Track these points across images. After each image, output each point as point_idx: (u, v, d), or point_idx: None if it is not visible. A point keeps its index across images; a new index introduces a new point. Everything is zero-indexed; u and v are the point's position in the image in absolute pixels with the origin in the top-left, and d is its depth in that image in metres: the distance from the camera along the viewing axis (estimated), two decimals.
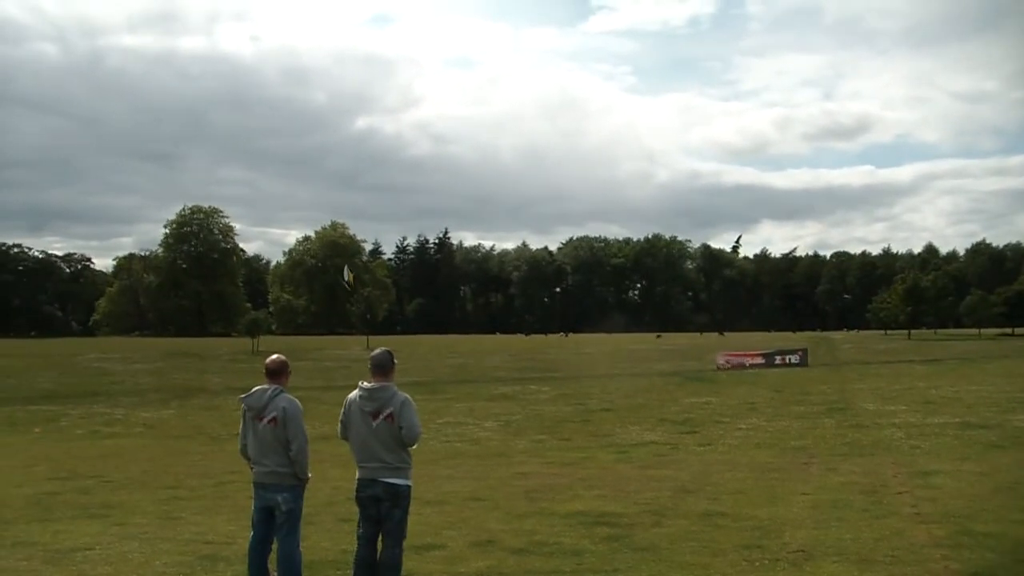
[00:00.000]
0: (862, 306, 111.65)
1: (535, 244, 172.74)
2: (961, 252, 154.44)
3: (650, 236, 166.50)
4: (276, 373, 6.65)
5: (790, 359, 46.28)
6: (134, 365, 43.95)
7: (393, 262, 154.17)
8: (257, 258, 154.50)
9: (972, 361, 46.36)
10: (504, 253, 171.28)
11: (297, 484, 6.53)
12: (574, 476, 13.10)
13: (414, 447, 6.39)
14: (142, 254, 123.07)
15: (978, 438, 17.13)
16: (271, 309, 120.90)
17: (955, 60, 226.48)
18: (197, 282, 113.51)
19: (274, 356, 6.80)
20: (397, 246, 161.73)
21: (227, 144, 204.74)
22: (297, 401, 6.61)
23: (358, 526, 6.45)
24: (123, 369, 42.03)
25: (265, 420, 6.45)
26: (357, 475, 6.39)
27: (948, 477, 12.20)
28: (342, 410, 6.49)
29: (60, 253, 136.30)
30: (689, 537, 8.57)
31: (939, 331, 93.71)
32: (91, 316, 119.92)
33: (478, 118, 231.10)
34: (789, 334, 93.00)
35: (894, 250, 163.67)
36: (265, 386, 6.58)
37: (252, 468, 6.64)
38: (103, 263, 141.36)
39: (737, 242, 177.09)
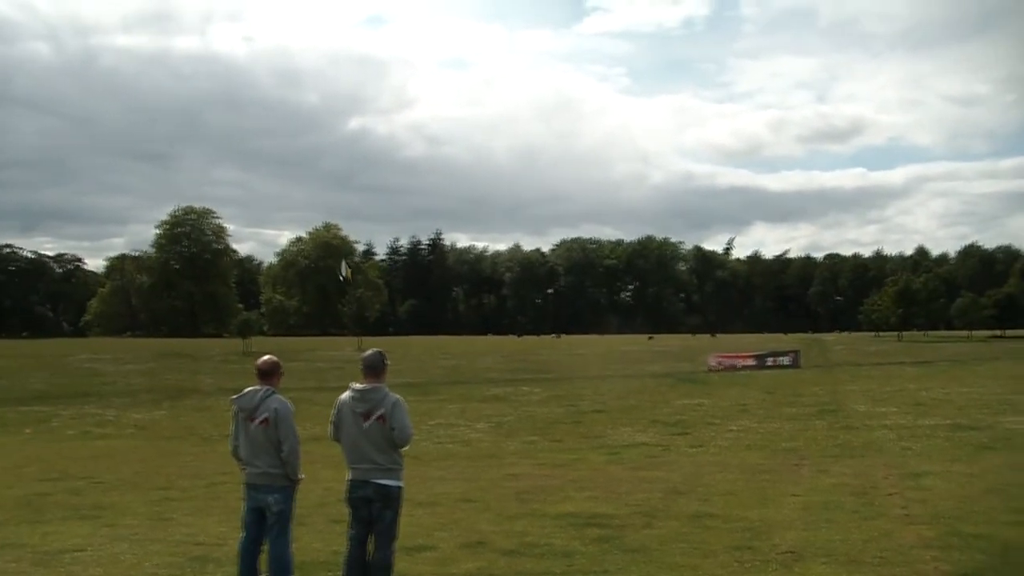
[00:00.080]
0: (854, 308, 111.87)
1: (529, 246, 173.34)
2: (952, 254, 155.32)
3: (642, 238, 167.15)
4: (268, 374, 6.64)
5: (781, 361, 46.33)
6: (126, 366, 43.78)
7: (386, 263, 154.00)
8: (249, 259, 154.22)
9: (963, 363, 46.54)
10: (497, 254, 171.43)
11: (288, 485, 6.53)
12: (565, 477, 13.11)
13: (406, 448, 6.40)
14: (134, 255, 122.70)
15: (968, 440, 17.18)
16: (263, 310, 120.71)
17: (948, 63, 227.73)
18: (189, 283, 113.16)
19: (266, 357, 6.80)
20: (390, 247, 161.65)
21: (221, 144, 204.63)
22: (289, 402, 6.61)
23: (349, 527, 6.45)
24: (115, 370, 41.85)
25: (257, 421, 6.45)
26: (348, 476, 6.39)
27: (938, 478, 12.25)
28: (333, 411, 6.49)
29: (51, 253, 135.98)
30: (679, 538, 8.60)
31: (930, 333, 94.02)
32: (82, 317, 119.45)
33: (472, 119, 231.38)
34: (781, 335, 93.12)
35: (886, 252, 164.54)
36: (257, 387, 6.58)
37: (243, 469, 6.63)
38: (95, 263, 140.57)
39: (730, 244, 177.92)
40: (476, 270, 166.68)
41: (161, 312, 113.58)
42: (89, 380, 37.37)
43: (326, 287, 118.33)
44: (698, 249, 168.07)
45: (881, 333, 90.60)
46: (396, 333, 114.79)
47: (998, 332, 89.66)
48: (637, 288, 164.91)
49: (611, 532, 8.93)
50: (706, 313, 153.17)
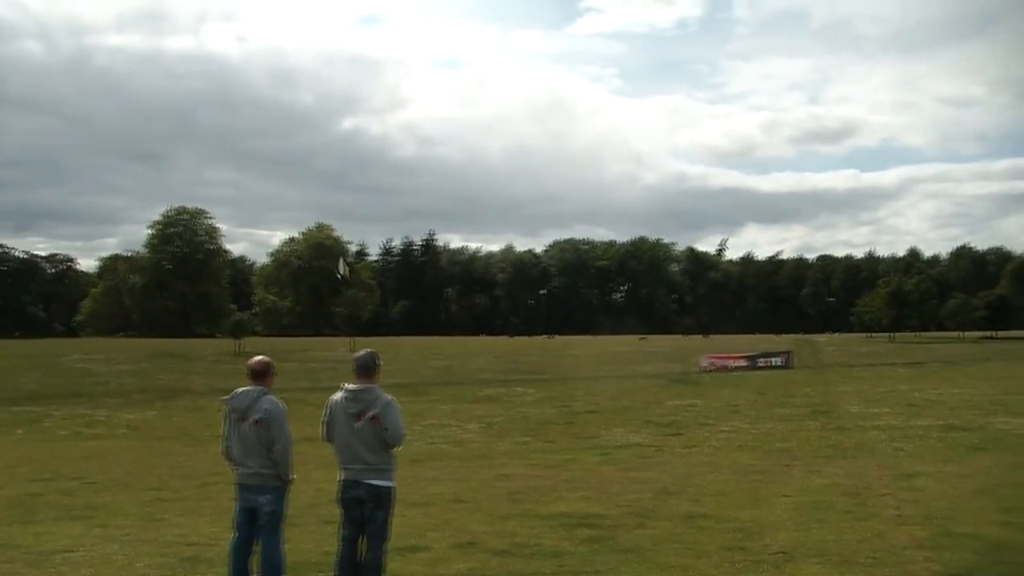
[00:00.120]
0: (846, 309, 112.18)
1: (522, 246, 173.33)
2: (944, 256, 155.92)
3: (635, 239, 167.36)
4: (260, 374, 6.62)
5: (774, 362, 46.48)
6: (118, 366, 43.65)
7: (379, 264, 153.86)
8: (242, 259, 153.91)
9: (954, 364, 46.72)
10: (490, 255, 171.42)
11: (280, 486, 6.51)
12: (558, 478, 13.11)
13: (398, 449, 6.39)
14: (127, 255, 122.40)
15: (960, 440, 17.23)
16: (256, 310, 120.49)
17: (941, 65, 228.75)
18: (182, 283, 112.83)
19: (258, 357, 6.77)
20: (382, 248, 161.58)
21: (214, 144, 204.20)
22: (281, 403, 6.59)
23: (341, 528, 6.44)
24: (107, 370, 41.74)
25: (249, 421, 6.43)
26: (340, 477, 6.38)
27: (930, 479, 12.29)
28: (324, 411, 6.48)
29: (44, 253, 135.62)
30: (672, 539, 8.61)
31: (922, 334, 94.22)
32: (74, 317, 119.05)
33: (466, 120, 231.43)
34: (773, 336, 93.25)
35: (878, 253, 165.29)
36: (249, 387, 6.56)
37: (235, 469, 6.61)
38: (87, 264, 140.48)
39: (722, 245, 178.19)
40: (469, 271, 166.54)
41: (153, 312, 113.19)
42: (81, 380, 37.27)
43: (319, 287, 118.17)
44: (691, 250, 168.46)
45: (873, 334, 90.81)
46: (389, 334, 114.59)
47: (990, 333, 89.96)
48: (630, 289, 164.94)
49: (603, 532, 8.93)
50: (698, 314, 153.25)
